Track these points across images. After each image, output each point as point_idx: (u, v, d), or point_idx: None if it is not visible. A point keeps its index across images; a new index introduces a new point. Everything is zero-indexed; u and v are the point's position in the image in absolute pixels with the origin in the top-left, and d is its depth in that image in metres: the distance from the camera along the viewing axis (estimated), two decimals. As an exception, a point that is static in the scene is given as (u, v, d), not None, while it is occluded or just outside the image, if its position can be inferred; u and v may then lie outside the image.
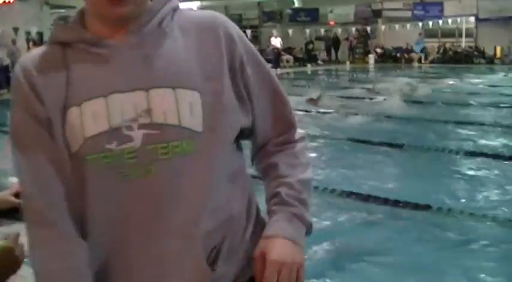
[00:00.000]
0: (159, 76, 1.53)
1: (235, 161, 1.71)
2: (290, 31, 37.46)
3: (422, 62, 34.78)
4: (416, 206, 6.69)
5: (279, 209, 1.68)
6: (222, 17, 1.70)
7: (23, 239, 1.86)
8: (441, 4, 34.74)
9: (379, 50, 37.09)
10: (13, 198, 2.27)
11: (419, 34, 35.82)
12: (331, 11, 38.60)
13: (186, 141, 1.52)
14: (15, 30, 26.83)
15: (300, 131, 1.81)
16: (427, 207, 6.64)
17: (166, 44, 1.58)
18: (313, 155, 9.05)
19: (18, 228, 2.03)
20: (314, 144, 10.05)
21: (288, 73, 30.90)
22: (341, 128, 12.13)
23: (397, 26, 36.36)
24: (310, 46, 37.78)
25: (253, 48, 1.74)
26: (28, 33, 28.26)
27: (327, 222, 6.31)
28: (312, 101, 15.69)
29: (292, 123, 1.80)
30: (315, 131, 11.26)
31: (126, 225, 1.55)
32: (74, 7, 40.81)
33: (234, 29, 1.69)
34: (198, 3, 41.53)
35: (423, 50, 35.15)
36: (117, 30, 1.55)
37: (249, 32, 36.64)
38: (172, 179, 1.52)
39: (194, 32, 1.63)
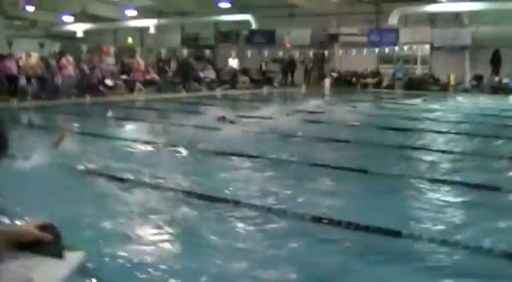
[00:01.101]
0: None
1: None
2: (248, 53, 37.34)
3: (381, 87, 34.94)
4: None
5: None
6: None
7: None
8: (396, 31, 34.97)
9: (334, 74, 37.14)
10: (37, 231, 2.28)
11: (398, 60, 36.18)
12: (287, 34, 38.59)
13: None
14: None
15: None
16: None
17: None
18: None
19: (39, 260, 2.19)
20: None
21: (243, 94, 30.73)
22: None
23: (353, 51, 36.48)
24: (264, 67, 37.86)
25: None
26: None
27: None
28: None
29: None
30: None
31: None
32: (32, 20, 41.14)
33: None
34: (155, 21, 41.47)
35: (403, 76, 35.25)
36: None
37: (208, 51, 36.61)
38: None
39: None
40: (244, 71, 35.43)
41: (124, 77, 27.88)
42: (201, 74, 32.00)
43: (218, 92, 29.22)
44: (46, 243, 2.24)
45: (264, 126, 15.16)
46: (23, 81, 23.30)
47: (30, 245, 2.23)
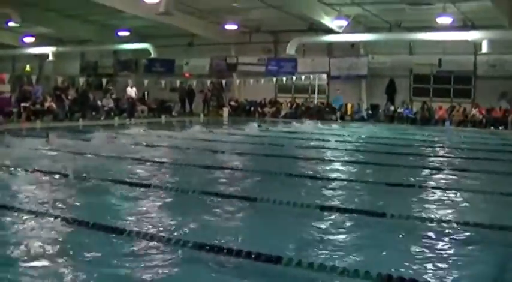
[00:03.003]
0: None
1: None
2: (145, 81, 37.06)
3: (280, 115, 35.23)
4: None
5: None
6: None
7: None
8: (295, 60, 35.49)
9: (233, 103, 37.35)
10: None
11: (337, 90, 36.48)
12: (186, 63, 38.70)
13: None
14: None
15: None
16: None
17: None
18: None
19: None
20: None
21: (141, 123, 30.30)
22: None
23: (251, 80, 36.75)
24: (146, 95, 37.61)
25: None
26: None
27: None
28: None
29: None
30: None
31: None
32: None
33: None
34: (54, 49, 40.85)
35: (340, 107, 35.45)
36: None
37: (104, 80, 36.15)
38: None
39: None
40: (142, 99, 35.15)
41: (24, 104, 27.14)
42: (99, 103, 31.62)
43: (116, 120, 28.83)
44: None
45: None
46: None
47: None
